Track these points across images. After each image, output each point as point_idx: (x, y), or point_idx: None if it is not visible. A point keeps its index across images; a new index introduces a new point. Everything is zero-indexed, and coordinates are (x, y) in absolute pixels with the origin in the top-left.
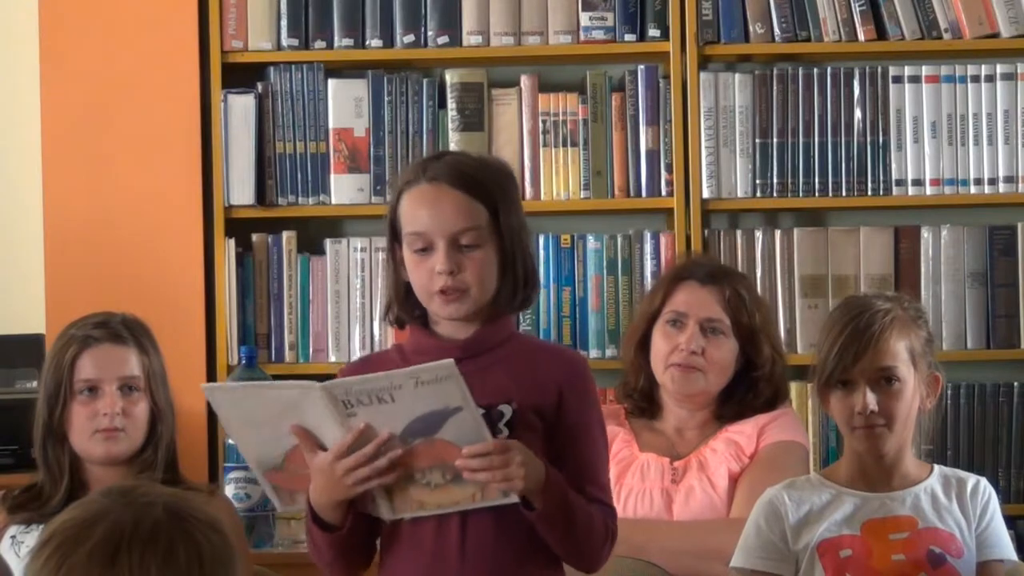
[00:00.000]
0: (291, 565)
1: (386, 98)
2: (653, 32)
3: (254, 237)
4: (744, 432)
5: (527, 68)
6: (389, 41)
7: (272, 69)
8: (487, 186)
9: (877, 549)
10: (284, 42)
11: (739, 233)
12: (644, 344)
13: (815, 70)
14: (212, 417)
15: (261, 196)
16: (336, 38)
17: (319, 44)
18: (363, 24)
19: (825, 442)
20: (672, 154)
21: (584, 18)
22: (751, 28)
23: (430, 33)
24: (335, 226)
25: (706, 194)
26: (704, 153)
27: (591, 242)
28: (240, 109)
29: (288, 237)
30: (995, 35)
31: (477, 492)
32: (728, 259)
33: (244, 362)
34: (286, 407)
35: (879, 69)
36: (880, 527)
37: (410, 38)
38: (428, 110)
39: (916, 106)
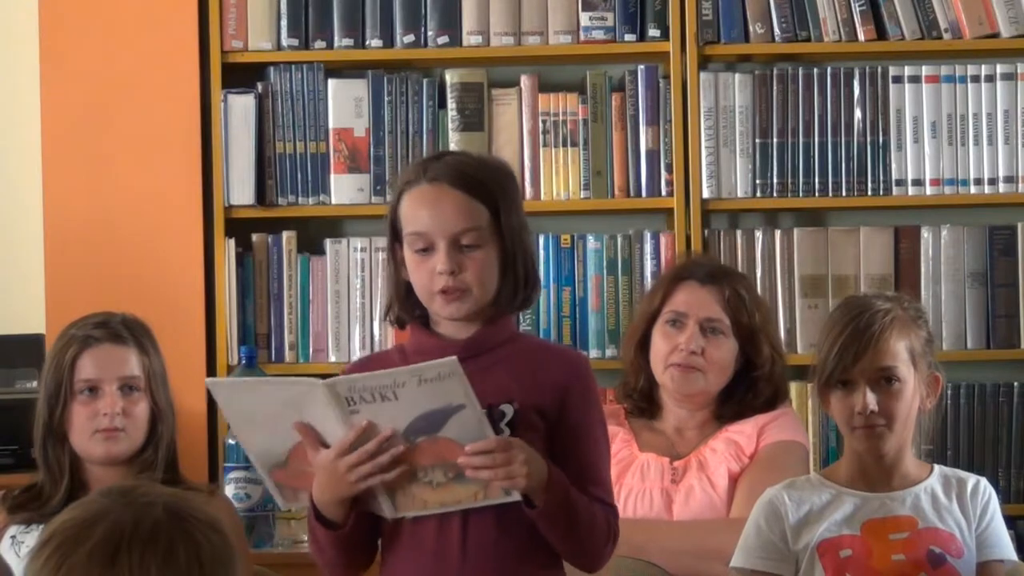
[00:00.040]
0: (291, 565)
1: (386, 98)
2: (653, 32)
3: (254, 237)
4: (744, 432)
5: (527, 68)
6: (389, 41)
7: (272, 69)
8: (488, 186)
9: (877, 549)
10: (284, 42)
11: (739, 233)
12: (644, 344)
13: (815, 70)
14: (212, 417)
15: (261, 196)
16: (336, 38)
17: (319, 44)
18: (363, 24)
19: (825, 442)
20: (672, 154)
21: (584, 18)
22: (751, 28)
23: (430, 33)
24: (335, 226)
25: (706, 194)
26: (704, 153)
27: (591, 242)
28: (240, 109)
29: (288, 237)
30: (995, 35)
31: (479, 491)
32: (728, 259)
33: (244, 362)
34: (289, 403)
35: (879, 69)
36: (880, 527)
37: (410, 38)
38: (428, 110)
39: (916, 106)
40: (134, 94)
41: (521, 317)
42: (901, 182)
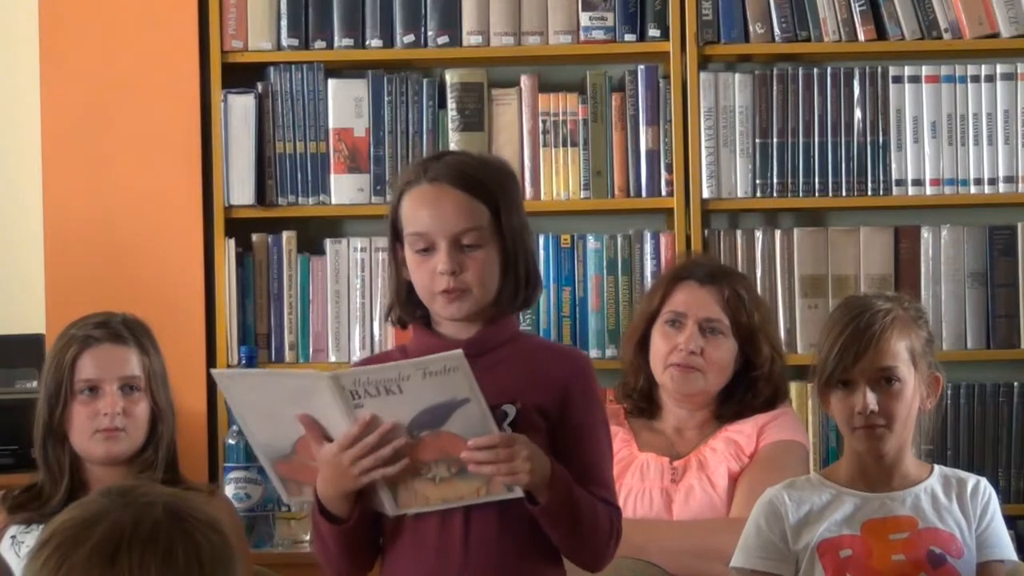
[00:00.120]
0: (291, 565)
1: (386, 98)
2: (653, 32)
3: (254, 237)
4: (744, 431)
5: (527, 68)
6: (389, 41)
7: (272, 69)
8: (488, 186)
9: (877, 549)
10: (284, 42)
11: (739, 233)
12: (643, 344)
13: (815, 70)
14: (212, 417)
15: (261, 196)
16: (336, 38)
17: (319, 44)
18: (363, 24)
19: (825, 442)
20: (672, 154)
21: (584, 18)
22: (751, 28)
23: (430, 33)
24: (335, 226)
25: (706, 194)
26: (704, 153)
27: (591, 242)
28: (240, 109)
29: (288, 237)
30: (995, 35)
31: (482, 487)
32: (728, 259)
33: (244, 362)
34: (294, 396)
35: (879, 69)
36: (880, 527)
37: (410, 38)
38: (428, 110)
39: (916, 106)
40: (134, 94)
41: (521, 317)
42: (901, 182)
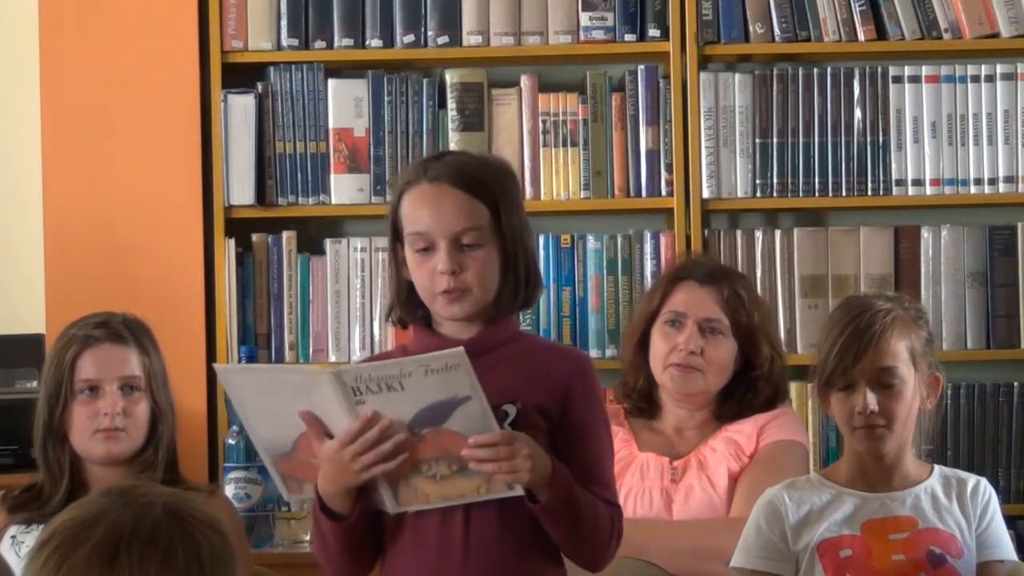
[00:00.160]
0: (291, 565)
1: (386, 98)
2: (653, 32)
3: (254, 237)
4: (744, 431)
5: (527, 68)
6: (389, 41)
7: (272, 69)
8: (488, 186)
9: (877, 549)
10: (284, 42)
11: (739, 233)
12: (643, 344)
13: (815, 70)
14: (212, 417)
15: (261, 196)
16: (336, 38)
17: (319, 44)
18: (363, 24)
19: (825, 442)
20: (672, 154)
21: (584, 18)
22: (751, 28)
23: (430, 33)
24: (335, 226)
25: (706, 194)
26: (704, 153)
27: (591, 242)
28: (240, 109)
29: (288, 237)
30: (995, 35)
31: (482, 484)
32: (728, 259)
33: (244, 362)
34: (296, 392)
35: (879, 69)
36: (880, 527)
37: (410, 38)
38: (428, 110)
39: (916, 106)
40: (134, 94)
41: (521, 317)
42: (901, 182)
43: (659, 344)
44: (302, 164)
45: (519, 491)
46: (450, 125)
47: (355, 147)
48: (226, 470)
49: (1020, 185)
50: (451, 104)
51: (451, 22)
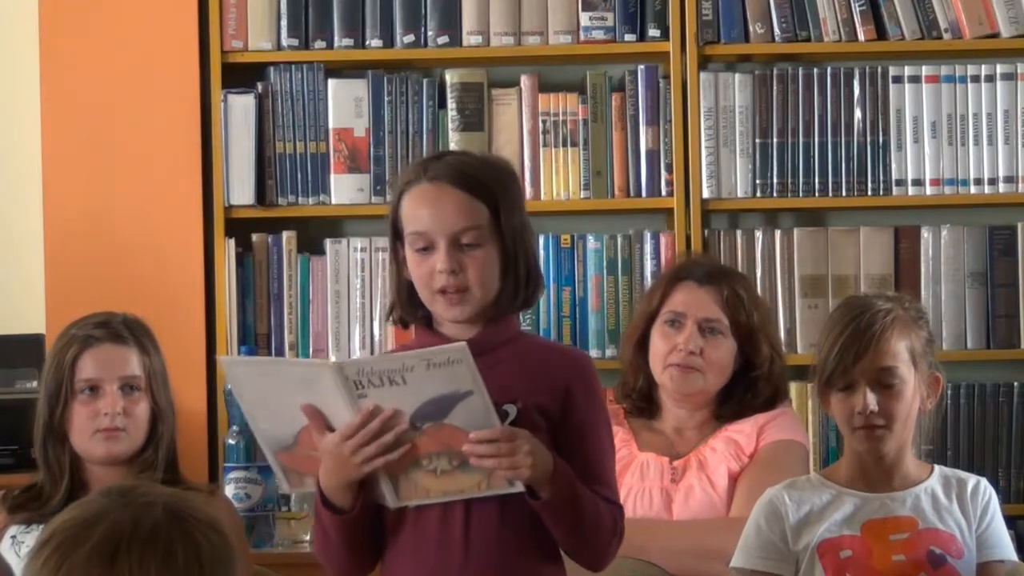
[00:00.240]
0: (291, 565)
1: (386, 98)
2: (653, 32)
3: (254, 237)
4: (743, 431)
5: (527, 68)
6: (389, 41)
7: (272, 69)
8: (488, 185)
9: (877, 550)
10: (284, 42)
11: (739, 233)
12: (643, 344)
13: (815, 70)
14: (212, 417)
15: (261, 196)
16: (336, 38)
17: (319, 44)
18: (363, 24)
19: (825, 442)
20: (672, 154)
21: (584, 18)
22: (751, 28)
23: (430, 33)
24: (335, 226)
25: (706, 194)
26: (704, 153)
27: (591, 242)
28: (240, 109)
29: (288, 237)
30: (995, 35)
31: (483, 480)
32: (728, 259)
33: None
34: (299, 384)
35: (879, 69)
36: (880, 527)
37: (410, 38)
38: (428, 110)
39: (916, 106)
40: (134, 94)
41: (521, 317)
42: (901, 182)
43: (659, 344)
44: (302, 164)
45: (519, 487)
46: (450, 125)
47: (355, 147)
48: (226, 470)
49: (1020, 185)
50: (451, 104)
51: (451, 22)
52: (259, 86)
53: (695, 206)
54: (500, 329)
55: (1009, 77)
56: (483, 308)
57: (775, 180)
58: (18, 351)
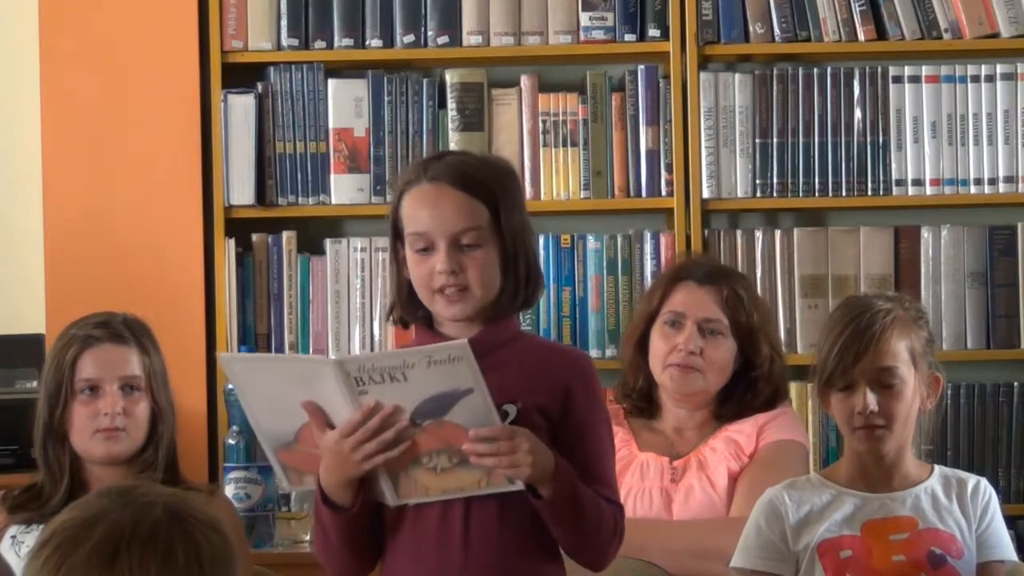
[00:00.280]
0: (291, 565)
1: (386, 98)
2: (653, 32)
3: (254, 237)
4: (743, 431)
5: (527, 68)
6: (389, 41)
7: (272, 69)
8: (488, 185)
9: (877, 550)
10: (284, 42)
11: (739, 233)
12: (643, 344)
13: (815, 70)
14: (212, 417)
15: (261, 196)
16: (336, 38)
17: (319, 44)
18: (363, 24)
19: (825, 442)
20: (672, 154)
21: (584, 18)
22: (751, 28)
23: (430, 33)
24: (335, 226)
25: (706, 194)
26: (704, 153)
27: (591, 242)
28: (240, 109)
29: (288, 237)
30: (995, 35)
31: (483, 478)
32: (728, 259)
33: None
34: (300, 381)
35: (879, 69)
36: (880, 528)
37: (410, 38)
38: (428, 110)
39: (916, 106)
40: (134, 94)
41: (521, 317)
42: (901, 182)
43: (658, 344)
44: (302, 164)
45: (519, 486)
46: (450, 125)
47: (355, 147)
48: (226, 470)
49: (1020, 185)
50: (451, 104)
51: (451, 22)
52: (259, 86)
53: (695, 206)
54: (500, 329)
55: (1009, 77)
56: (483, 308)
57: (775, 180)
58: (18, 351)
